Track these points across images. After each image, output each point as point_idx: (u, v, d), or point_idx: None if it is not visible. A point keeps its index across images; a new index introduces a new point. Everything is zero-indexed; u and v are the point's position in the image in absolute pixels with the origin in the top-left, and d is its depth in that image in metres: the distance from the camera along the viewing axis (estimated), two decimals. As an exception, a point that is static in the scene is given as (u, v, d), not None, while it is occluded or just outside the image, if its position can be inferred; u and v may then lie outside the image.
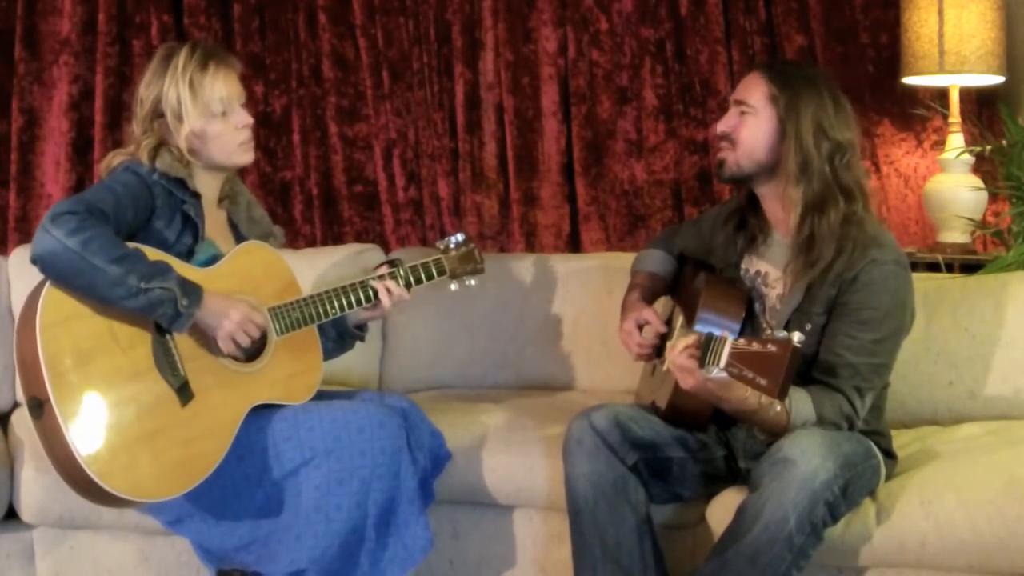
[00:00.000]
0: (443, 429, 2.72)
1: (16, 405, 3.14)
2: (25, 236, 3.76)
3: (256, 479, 2.44)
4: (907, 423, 2.84)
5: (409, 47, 3.92)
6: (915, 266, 3.27)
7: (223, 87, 2.50)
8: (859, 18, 3.74)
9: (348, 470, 2.38)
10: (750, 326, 2.52)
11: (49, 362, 2.26)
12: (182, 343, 2.39)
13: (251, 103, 2.59)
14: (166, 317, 2.31)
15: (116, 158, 2.53)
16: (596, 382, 3.23)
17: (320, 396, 2.57)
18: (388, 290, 2.60)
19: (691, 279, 2.66)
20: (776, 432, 2.36)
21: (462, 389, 3.28)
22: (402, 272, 2.65)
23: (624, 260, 2.98)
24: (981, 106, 3.66)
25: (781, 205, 2.50)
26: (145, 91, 2.52)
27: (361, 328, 2.72)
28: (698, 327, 2.40)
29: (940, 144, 3.60)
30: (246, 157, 2.56)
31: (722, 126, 2.52)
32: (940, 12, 3.36)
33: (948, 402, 2.85)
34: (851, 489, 2.31)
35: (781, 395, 2.11)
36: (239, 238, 2.64)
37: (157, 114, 2.50)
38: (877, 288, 2.39)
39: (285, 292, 2.56)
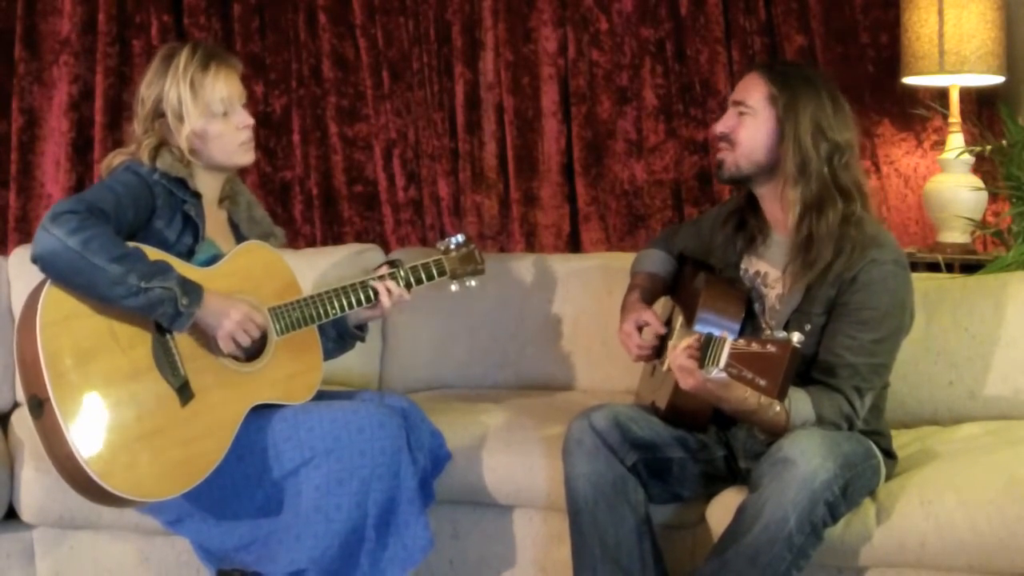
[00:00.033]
0: (443, 429, 2.72)
1: (16, 405, 3.14)
2: (25, 236, 3.76)
3: (256, 479, 2.44)
4: (907, 423, 2.84)
5: (409, 47, 3.92)
6: (915, 266, 3.27)
7: (224, 87, 2.50)
8: (859, 18, 3.74)
9: (348, 470, 2.38)
10: (750, 326, 2.52)
11: (49, 361, 2.26)
12: (182, 343, 2.39)
13: (251, 103, 2.59)
14: (166, 316, 2.31)
15: (117, 158, 2.53)
16: (596, 382, 3.23)
17: (320, 396, 2.57)
18: (388, 290, 2.60)
19: (691, 279, 2.66)
20: (776, 432, 2.36)
21: (462, 389, 3.28)
22: (402, 272, 2.65)
23: (624, 260, 2.98)
24: (981, 106, 3.66)
25: (780, 205, 2.50)
26: (146, 91, 2.52)
27: (361, 328, 2.72)
28: (698, 327, 2.40)
29: (940, 144, 3.60)
30: (246, 157, 2.56)
31: (721, 127, 2.52)
32: (940, 12, 3.36)
33: (948, 402, 2.85)
34: (851, 489, 2.31)
35: (780, 396, 2.12)
36: (239, 238, 2.64)
37: (158, 114, 2.50)
38: (876, 288, 2.39)
39: (285, 292, 2.56)
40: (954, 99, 3.48)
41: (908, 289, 2.46)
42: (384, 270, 2.65)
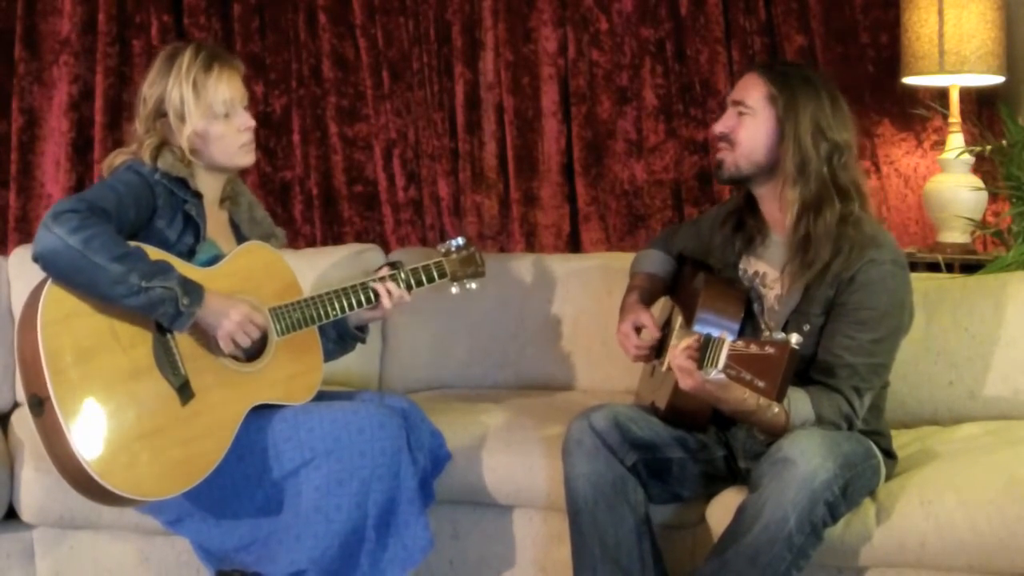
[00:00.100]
0: (443, 429, 2.73)
1: (16, 405, 3.14)
2: (25, 236, 3.76)
3: (256, 479, 2.44)
4: (907, 423, 2.84)
5: (409, 47, 3.92)
6: (915, 266, 3.28)
7: (226, 89, 2.50)
8: (859, 18, 3.74)
9: (348, 471, 2.38)
10: (749, 326, 2.52)
11: (50, 359, 2.26)
12: (183, 342, 2.39)
13: (251, 103, 2.59)
14: (167, 316, 2.31)
15: (118, 157, 2.53)
16: (596, 382, 3.23)
17: (320, 396, 2.57)
18: (389, 292, 2.60)
19: (690, 279, 2.66)
20: (775, 432, 2.36)
21: (462, 389, 3.28)
22: (403, 274, 2.65)
23: (624, 260, 2.98)
24: (981, 106, 3.66)
25: (779, 205, 2.50)
26: (148, 90, 2.52)
27: (362, 330, 2.72)
28: (697, 327, 2.40)
29: (940, 144, 3.60)
30: (247, 159, 2.56)
31: (720, 127, 2.52)
32: (940, 12, 3.36)
33: (948, 402, 2.85)
34: (851, 489, 2.31)
35: (779, 397, 2.12)
36: (240, 239, 2.64)
37: (160, 113, 2.50)
38: (875, 288, 2.39)
39: (286, 293, 2.56)
40: (954, 99, 3.48)
41: (907, 289, 2.46)
42: (385, 271, 2.65)
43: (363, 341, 2.74)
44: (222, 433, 2.40)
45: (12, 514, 2.83)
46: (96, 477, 2.25)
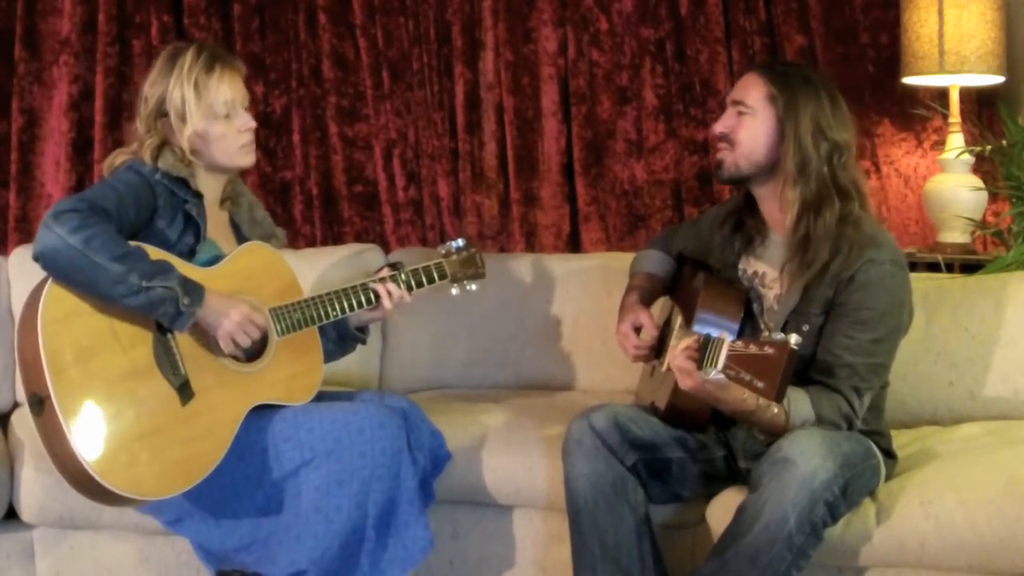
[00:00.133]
0: (443, 429, 2.73)
1: (16, 405, 3.14)
2: (25, 236, 3.76)
3: (256, 479, 2.44)
4: (907, 423, 2.84)
5: (409, 47, 3.92)
6: (915, 266, 3.28)
7: (228, 90, 2.50)
8: (859, 18, 3.74)
9: (348, 471, 2.39)
10: (748, 326, 2.52)
11: (50, 358, 2.26)
12: (183, 342, 2.39)
13: (251, 103, 2.59)
14: (167, 316, 2.32)
15: (119, 157, 2.53)
16: (596, 382, 3.23)
17: (320, 397, 2.57)
18: (389, 293, 2.60)
19: (690, 279, 2.66)
20: (775, 432, 2.36)
21: (462, 389, 3.28)
22: (403, 275, 2.65)
23: (624, 260, 2.98)
24: (981, 106, 3.66)
25: (778, 205, 2.50)
26: (150, 90, 2.52)
27: (362, 330, 2.72)
28: (696, 327, 2.40)
29: (940, 144, 3.60)
30: (247, 159, 2.57)
31: (720, 127, 2.52)
32: (940, 12, 3.36)
33: (948, 402, 2.85)
34: (851, 489, 2.31)
35: (778, 397, 2.12)
36: (241, 239, 2.64)
37: (161, 113, 2.50)
38: (874, 288, 2.39)
39: (286, 293, 2.56)
40: (954, 99, 3.49)
41: (906, 289, 2.46)
42: (385, 272, 2.65)
43: (363, 342, 2.74)
44: (222, 433, 2.40)
45: (12, 514, 2.83)
46: (96, 476, 2.25)
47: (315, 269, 3.26)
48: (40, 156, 3.92)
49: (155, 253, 2.37)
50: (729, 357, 2.11)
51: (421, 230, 3.96)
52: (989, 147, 3.38)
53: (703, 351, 2.16)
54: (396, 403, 2.62)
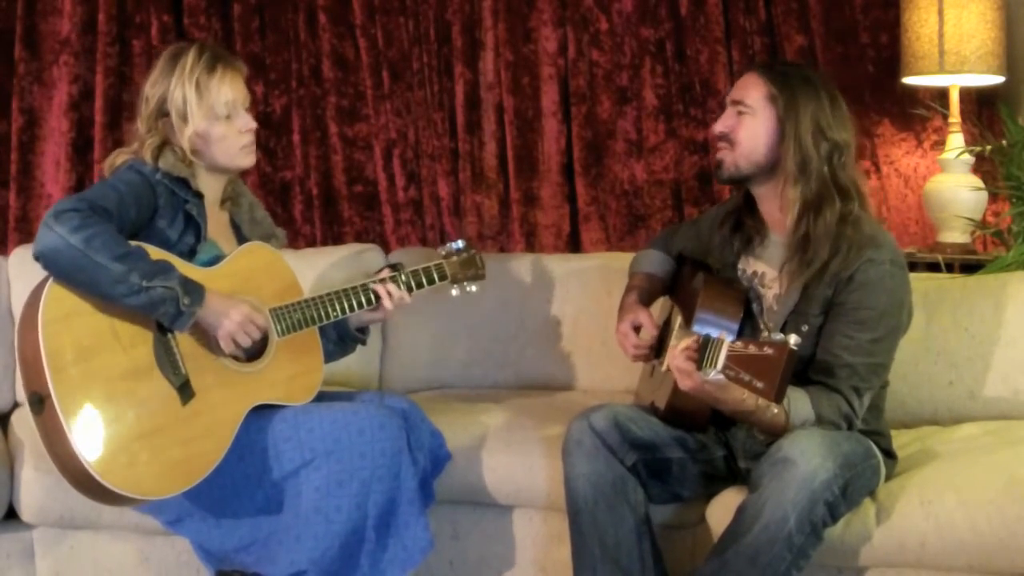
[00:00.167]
0: (443, 429, 2.73)
1: (16, 405, 3.14)
2: (25, 236, 3.76)
3: (256, 479, 2.44)
4: (907, 423, 2.84)
5: (409, 47, 3.92)
6: (915, 266, 3.28)
7: (229, 91, 2.50)
8: (859, 18, 3.74)
9: (348, 472, 2.39)
10: (748, 326, 2.52)
11: (51, 358, 2.26)
12: (183, 342, 2.39)
13: (251, 103, 2.60)
14: (168, 316, 2.32)
15: (120, 157, 2.53)
16: (596, 382, 3.23)
17: (321, 397, 2.57)
18: (389, 293, 2.60)
19: (689, 279, 2.66)
20: (775, 432, 2.36)
21: (462, 389, 3.28)
22: (403, 276, 2.65)
23: (624, 260, 2.98)
24: (981, 106, 3.66)
25: (778, 205, 2.50)
26: (151, 89, 2.52)
27: (362, 331, 2.72)
28: (696, 327, 2.40)
29: (940, 144, 3.60)
30: (247, 160, 2.57)
31: (720, 126, 2.52)
32: (940, 12, 3.36)
33: (948, 402, 2.85)
34: (851, 489, 2.31)
35: (778, 398, 2.12)
36: (241, 239, 2.64)
37: (162, 113, 2.51)
38: (873, 288, 2.39)
39: (286, 293, 2.56)
40: (954, 99, 3.49)
41: (906, 288, 2.46)
42: (385, 273, 2.65)
43: (363, 343, 2.74)
44: (222, 433, 2.40)
45: (12, 514, 2.83)
46: (96, 476, 2.25)
47: (315, 269, 3.26)
48: (40, 156, 3.92)
49: (156, 253, 2.37)
50: (728, 357, 2.11)
51: (421, 230, 3.96)
52: (989, 147, 3.38)
53: (703, 351, 2.16)
54: (396, 403, 2.62)
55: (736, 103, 2.50)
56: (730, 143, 2.49)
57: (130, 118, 2.58)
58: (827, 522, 2.28)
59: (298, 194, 3.97)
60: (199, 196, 2.52)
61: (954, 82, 3.47)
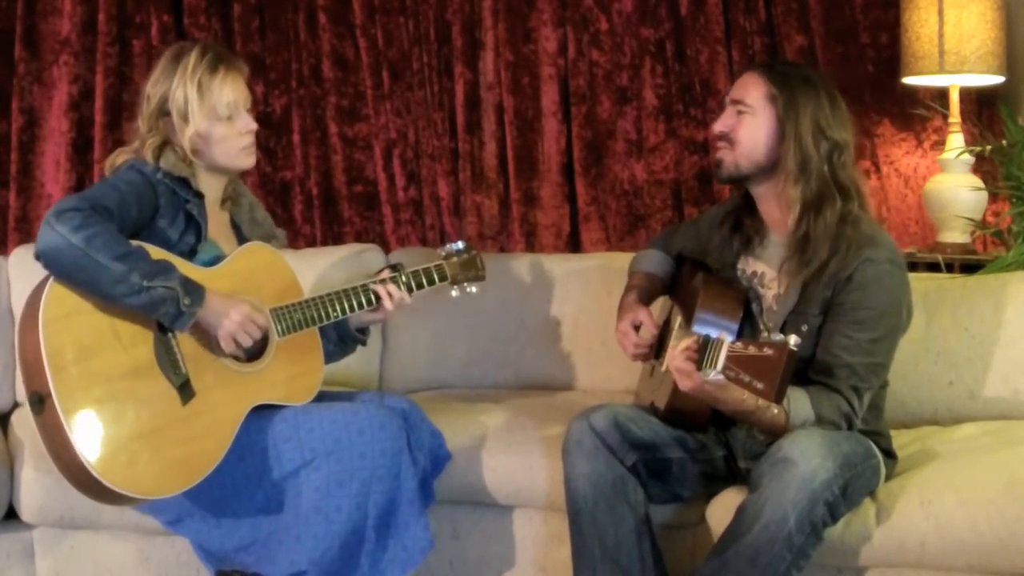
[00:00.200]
0: (443, 429, 2.73)
1: (16, 405, 3.14)
2: (25, 236, 3.76)
3: (256, 479, 2.44)
4: (907, 423, 2.84)
5: (409, 47, 3.93)
6: (915, 266, 3.29)
7: (231, 92, 2.50)
8: (859, 18, 3.74)
9: (348, 472, 2.39)
10: (748, 327, 2.52)
11: (51, 357, 2.26)
12: (184, 342, 2.39)
13: (252, 104, 2.60)
14: (168, 316, 2.32)
15: (120, 156, 2.53)
16: (596, 382, 3.23)
17: (321, 397, 2.57)
18: (389, 294, 2.60)
19: (689, 279, 2.66)
20: (775, 433, 2.36)
21: (462, 389, 3.28)
22: (404, 277, 2.65)
23: (624, 260, 2.98)
24: (981, 106, 3.66)
25: (778, 205, 2.50)
26: (152, 89, 2.52)
27: (363, 331, 2.72)
28: (696, 327, 2.40)
29: (940, 144, 3.60)
30: (248, 161, 2.57)
31: (719, 126, 2.52)
32: (940, 12, 3.36)
33: (948, 402, 2.85)
34: (851, 489, 2.31)
35: (778, 398, 2.12)
36: (241, 239, 2.64)
37: (163, 112, 2.51)
38: (873, 288, 2.39)
39: (287, 293, 2.56)
40: (954, 99, 3.49)
41: (905, 288, 2.46)
42: (386, 274, 2.65)
43: (363, 343, 2.74)
44: (222, 433, 2.40)
45: (12, 514, 2.83)
46: (96, 475, 2.25)
47: (315, 269, 3.26)
48: (40, 156, 3.92)
49: (156, 253, 2.37)
50: (728, 358, 2.11)
51: (421, 230, 3.96)
52: (989, 147, 3.38)
53: (702, 352, 2.16)
54: (396, 403, 2.62)
55: (736, 103, 2.50)
56: (730, 143, 2.49)
57: (130, 118, 2.58)
58: (827, 522, 2.28)
59: (298, 194, 3.97)
60: (200, 196, 2.52)
61: (954, 82, 3.47)
